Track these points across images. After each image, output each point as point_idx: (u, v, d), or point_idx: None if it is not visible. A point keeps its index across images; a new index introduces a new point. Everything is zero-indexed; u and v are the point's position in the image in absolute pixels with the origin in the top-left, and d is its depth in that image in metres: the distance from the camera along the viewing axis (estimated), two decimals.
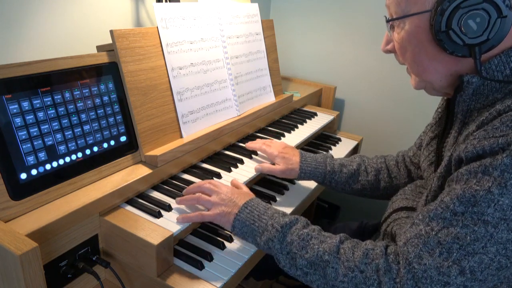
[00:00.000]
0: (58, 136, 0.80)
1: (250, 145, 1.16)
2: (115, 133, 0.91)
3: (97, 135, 0.88)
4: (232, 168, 1.08)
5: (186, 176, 1.03)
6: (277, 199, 1.08)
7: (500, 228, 0.57)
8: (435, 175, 0.72)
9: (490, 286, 0.63)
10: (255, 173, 1.07)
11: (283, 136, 1.32)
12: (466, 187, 0.60)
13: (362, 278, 0.65)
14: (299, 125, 1.43)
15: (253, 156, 1.16)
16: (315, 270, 0.70)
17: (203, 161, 1.11)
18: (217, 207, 0.82)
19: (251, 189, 1.00)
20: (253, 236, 0.78)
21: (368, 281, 0.64)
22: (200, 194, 0.87)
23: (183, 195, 0.91)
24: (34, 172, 0.76)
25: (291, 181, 1.19)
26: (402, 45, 0.72)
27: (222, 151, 1.18)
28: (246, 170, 1.08)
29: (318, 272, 0.69)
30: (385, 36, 0.79)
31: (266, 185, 1.14)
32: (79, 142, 0.84)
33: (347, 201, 1.95)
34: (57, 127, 0.80)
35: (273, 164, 1.09)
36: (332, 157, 1.10)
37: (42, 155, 0.77)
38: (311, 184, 1.19)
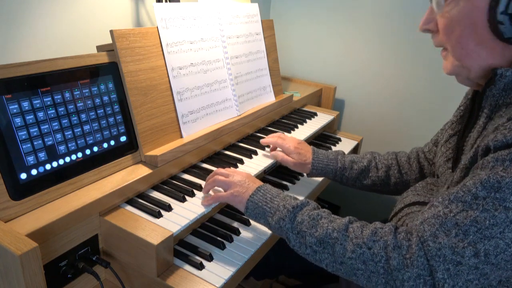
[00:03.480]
0: (58, 136, 0.80)
1: (265, 140, 1.17)
2: (115, 133, 0.91)
3: (97, 135, 0.88)
4: (232, 168, 1.08)
5: (186, 176, 1.03)
6: None
7: None
8: (459, 166, 0.71)
9: (504, 276, 0.63)
10: (254, 173, 1.07)
11: None
12: (491, 173, 0.60)
13: (370, 254, 0.66)
14: (299, 125, 1.43)
15: (253, 156, 1.16)
16: (324, 248, 0.71)
17: (203, 161, 1.11)
18: (232, 187, 0.86)
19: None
20: (265, 217, 0.81)
21: (376, 258, 0.66)
22: (217, 176, 0.91)
23: (183, 196, 0.92)
24: (34, 172, 0.76)
25: (292, 182, 1.19)
26: (450, 24, 0.68)
27: (222, 151, 1.18)
28: (246, 170, 1.08)
29: (327, 250, 0.71)
30: (427, 13, 0.74)
31: None
32: (79, 142, 0.84)
33: (347, 201, 1.95)
34: (57, 127, 0.80)
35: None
36: (344, 154, 1.12)
37: (42, 155, 0.77)
38: (309, 188, 1.20)
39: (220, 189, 0.92)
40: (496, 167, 0.60)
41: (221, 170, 0.93)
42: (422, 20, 0.75)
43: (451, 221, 0.62)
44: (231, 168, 1.01)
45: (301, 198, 0.81)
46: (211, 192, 0.94)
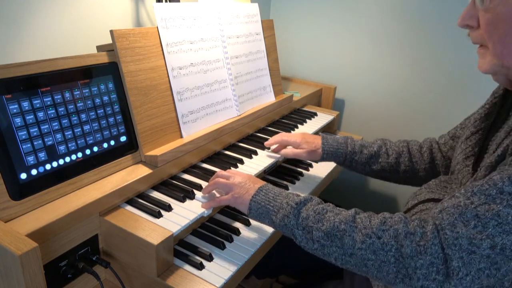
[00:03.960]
0: (58, 136, 0.80)
1: (269, 142, 1.17)
2: (115, 133, 0.91)
3: (97, 135, 0.88)
4: (232, 168, 1.08)
5: (186, 176, 1.03)
6: None
7: None
8: (483, 164, 0.70)
9: None
10: (254, 173, 1.07)
11: None
12: None
13: (380, 244, 0.66)
14: (299, 125, 1.43)
15: (253, 156, 1.16)
16: (332, 242, 0.70)
17: (203, 161, 1.11)
18: (234, 189, 0.85)
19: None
20: (269, 216, 0.80)
21: (386, 247, 0.65)
22: (218, 179, 0.90)
23: (183, 196, 0.92)
24: (34, 172, 0.76)
25: (292, 182, 1.19)
26: (494, 21, 0.65)
27: (222, 151, 1.18)
28: (247, 170, 1.08)
29: (335, 243, 0.70)
30: (467, 8, 0.70)
31: None
32: (79, 142, 0.84)
33: (347, 201, 1.95)
34: (57, 127, 0.80)
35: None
36: (353, 138, 1.13)
37: (42, 155, 0.77)
38: (310, 187, 1.20)
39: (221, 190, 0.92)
40: None
41: (222, 172, 0.92)
42: (462, 15, 0.71)
43: (471, 212, 0.61)
44: (232, 169, 1.01)
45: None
46: (215, 192, 0.94)
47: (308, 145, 1.11)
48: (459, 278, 0.61)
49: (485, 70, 0.71)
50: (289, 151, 1.13)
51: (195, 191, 0.95)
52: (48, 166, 0.78)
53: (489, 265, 0.60)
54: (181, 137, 1.06)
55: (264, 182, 0.87)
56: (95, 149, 0.87)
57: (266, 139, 1.23)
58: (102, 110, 0.89)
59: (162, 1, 1.20)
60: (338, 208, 0.76)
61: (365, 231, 0.68)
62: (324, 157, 1.11)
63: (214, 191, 0.94)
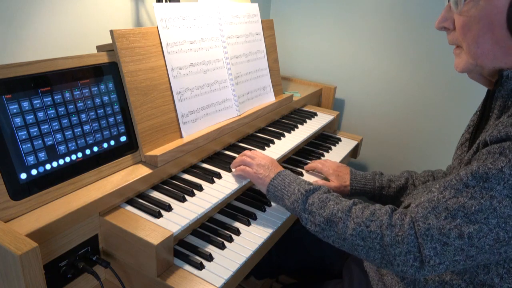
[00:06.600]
0: (58, 136, 0.80)
1: (308, 166, 1.24)
2: (115, 133, 0.91)
3: (97, 135, 0.88)
4: (232, 168, 1.08)
5: (186, 176, 1.03)
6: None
7: (504, 203, 0.62)
8: (463, 161, 0.75)
9: (492, 260, 0.67)
10: None
11: (283, 136, 1.32)
12: (481, 164, 0.65)
13: (367, 232, 0.74)
14: (299, 125, 1.43)
15: None
16: (330, 226, 0.80)
17: (203, 161, 1.11)
18: (256, 167, 0.97)
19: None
20: (283, 199, 0.91)
21: (372, 235, 0.74)
22: (245, 157, 1.02)
23: (183, 196, 0.92)
24: (34, 172, 0.76)
25: None
26: (467, 23, 0.69)
27: (222, 151, 1.18)
28: None
29: (332, 228, 0.80)
30: (444, 11, 0.75)
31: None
32: (79, 142, 0.84)
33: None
34: (57, 127, 0.80)
35: (327, 180, 1.18)
36: (381, 174, 1.16)
37: (42, 155, 0.77)
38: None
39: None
40: (487, 159, 0.65)
41: (248, 152, 1.03)
42: (439, 18, 0.76)
43: (442, 206, 0.67)
44: (257, 151, 1.06)
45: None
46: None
47: (338, 180, 1.15)
48: (431, 265, 0.67)
49: (461, 69, 0.75)
50: (320, 182, 1.17)
51: (195, 191, 0.95)
52: (48, 166, 0.78)
53: (464, 258, 0.66)
54: (181, 137, 1.06)
55: (282, 168, 0.98)
56: (95, 149, 0.87)
57: (266, 139, 1.22)
58: (102, 110, 0.89)
59: (162, 1, 1.20)
60: (340, 198, 0.84)
61: (356, 220, 0.76)
62: (353, 193, 1.15)
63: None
